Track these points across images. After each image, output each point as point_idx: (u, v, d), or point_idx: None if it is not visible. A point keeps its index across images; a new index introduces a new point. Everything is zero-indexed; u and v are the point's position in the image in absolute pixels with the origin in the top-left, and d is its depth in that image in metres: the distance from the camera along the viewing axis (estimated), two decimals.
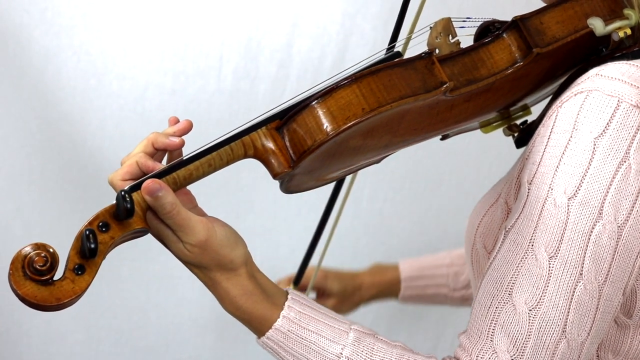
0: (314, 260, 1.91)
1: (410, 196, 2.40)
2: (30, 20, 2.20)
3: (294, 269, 2.30)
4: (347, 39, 2.29)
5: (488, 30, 1.36)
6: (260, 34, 2.28)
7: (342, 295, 1.94)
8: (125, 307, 2.35)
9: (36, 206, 2.27)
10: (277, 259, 2.37)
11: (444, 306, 2.07)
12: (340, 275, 1.96)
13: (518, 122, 1.47)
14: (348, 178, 1.79)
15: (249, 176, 2.32)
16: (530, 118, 1.48)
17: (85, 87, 2.25)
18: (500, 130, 1.50)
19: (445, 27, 1.35)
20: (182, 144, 1.29)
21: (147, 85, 2.27)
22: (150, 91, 2.27)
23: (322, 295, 1.94)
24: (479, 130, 1.53)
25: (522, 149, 1.45)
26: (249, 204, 2.35)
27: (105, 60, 2.25)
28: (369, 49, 2.28)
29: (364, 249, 2.42)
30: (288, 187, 1.34)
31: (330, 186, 1.77)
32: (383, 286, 1.95)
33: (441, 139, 1.49)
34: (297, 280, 1.86)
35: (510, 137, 1.50)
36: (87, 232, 1.18)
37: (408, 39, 1.43)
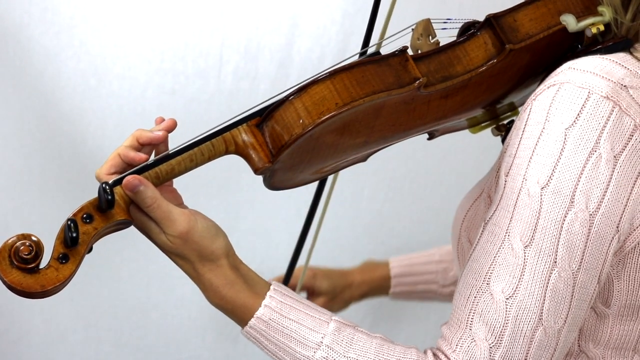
0: (301, 261, 1.91)
1: (410, 196, 2.41)
2: (30, 20, 2.20)
3: None
4: (347, 39, 2.30)
5: (469, 30, 1.38)
6: (260, 34, 2.28)
7: (332, 293, 1.95)
8: (125, 307, 2.36)
9: (36, 206, 2.28)
10: (277, 259, 2.37)
11: (436, 302, 2.05)
12: (329, 273, 1.97)
13: (506, 122, 1.50)
14: (330, 178, 1.79)
15: (249, 176, 2.30)
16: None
17: (85, 87, 2.25)
18: None
19: (425, 28, 1.38)
20: (165, 136, 1.34)
21: (147, 85, 2.27)
22: (150, 91, 2.28)
23: (311, 294, 1.95)
24: None
25: None
26: (249, 204, 2.36)
27: (105, 60, 2.25)
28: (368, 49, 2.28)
29: (364, 249, 2.42)
30: (271, 182, 1.38)
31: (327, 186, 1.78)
32: (374, 283, 1.96)
33: (428, 139, 1.51)
34: (287, 280, 1.86)
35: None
36: (69, 222, 1.23)
37: (379, 44, 1.45)
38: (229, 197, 2.34)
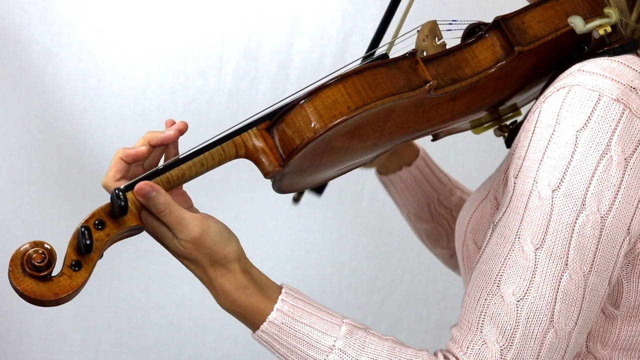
0: None
1: None
2: (30, 20, 2.20)
3: (294, 269, 2.30)
4: (347, 39, 2.30)
5: (474, 32, 1.39)
6: (260, 34, 2.28)
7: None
8: (125, 307, 2.35)
9: (36, 206, 2.27)
10: (277, 259, 2.37)
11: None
12: None
13: (508, 122, 1.50)
14: None
15: (249, 176, 2.32)
16: (519, 119, 1.49)
17: (85, 87, 2.25)
18: None
19: (432, 29, 1.38)
20: (177, 136, 1.32)
21: (147, 85, 2.27)
22: (150, 91, 2.28)
23: None
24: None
25: None
26: (249, 204, 2.36)
27: (105, 60, 2.25)
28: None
29: (364, 249, 2.43)
30: (280, 186, 1.37)
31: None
32: (405, 146, 1.82)
33: (432, 140, 1.51)
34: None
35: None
36: (83, 229, 1.21)
37: (391, 43, 1.45)
38: (229, 197, 2.34)
